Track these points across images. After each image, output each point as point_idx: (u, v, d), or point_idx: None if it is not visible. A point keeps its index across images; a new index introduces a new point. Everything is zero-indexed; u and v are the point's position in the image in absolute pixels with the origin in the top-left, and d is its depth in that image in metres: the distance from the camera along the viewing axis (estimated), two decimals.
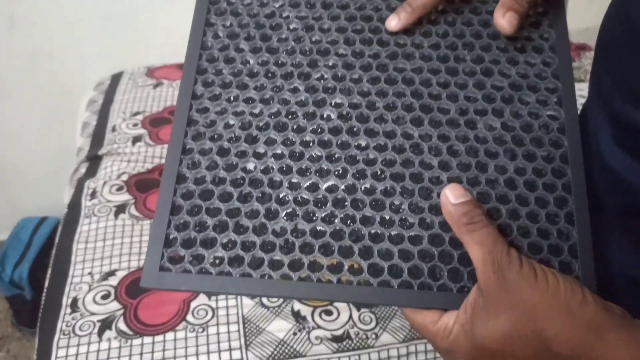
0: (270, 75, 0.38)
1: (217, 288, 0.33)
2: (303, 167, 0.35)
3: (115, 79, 1.16)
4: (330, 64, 0.38)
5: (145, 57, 1.22)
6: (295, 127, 0.36)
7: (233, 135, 0.36)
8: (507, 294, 0.29)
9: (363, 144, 0.36)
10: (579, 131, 0.36)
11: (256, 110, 0.37)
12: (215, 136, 0.36)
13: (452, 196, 0.32)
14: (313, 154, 0.35)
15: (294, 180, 0.35)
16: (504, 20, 0.36)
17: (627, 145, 0.34)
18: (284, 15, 0.39)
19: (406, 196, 0.34)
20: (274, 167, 0.35)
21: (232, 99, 0.37)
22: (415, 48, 0.38)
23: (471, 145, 0.36)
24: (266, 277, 0.33)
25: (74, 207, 0.82)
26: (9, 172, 1.32)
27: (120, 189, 0.84)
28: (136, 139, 0.95)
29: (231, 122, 0.36)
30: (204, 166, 0.35)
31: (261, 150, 0.36)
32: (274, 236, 0.34)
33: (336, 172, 0.35)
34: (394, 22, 0.38)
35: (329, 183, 0.35)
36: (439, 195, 0.34)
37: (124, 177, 0.86)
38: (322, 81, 0.37)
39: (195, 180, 0.35)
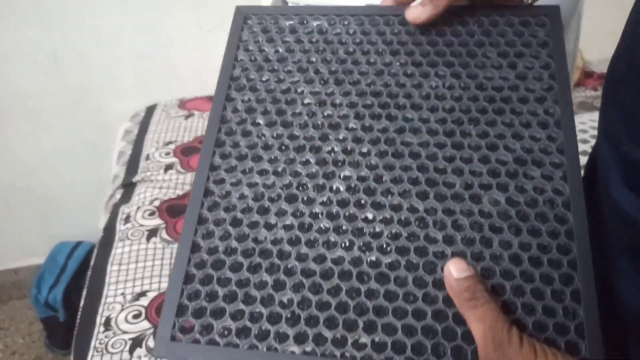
0: (283, 148, 0.39)
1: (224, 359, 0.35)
2: (311, 238, 0.36)
3: (150, 110, 1.23)
4: (341, 137, 0.39)
5: (177, 90, 1.29)
6: (305, 198, 0.38)
7: (246, 206, 0.38)
8: None
9: (370, 216, 0.37)
10: (584, 207, 0.35)
11: (269, 182, 0.38)
12: (230, 207, 0.38)
13: (454, 270, 0.32)
14: (321, 226, 0.37)
15: (302, 251, 0.36)
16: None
17: (636, 186, 0.35)
18: (299, 90, 0.41)
19: (411, 270, 0.35)
20: (284, 237, 0.37)
21: (247, 170, 0.39)
22: (422, 123, 0.39)
23: (476, 220, 0.36)
24: (272, 350, 0.34)
25: (109, 231, 0.86)
26: (48, 199, 1.39)
27: (152, 214, 0.89)
28: (168, 167, 1.00)
29: (245, 193, 0.38)
30: (217, 236, 0.37)
31: (272, 221, 0.37)
32: (281, 308, 0.35)
33: (343, 245, 0.36)
34: (417, 13, 0.39)
35: (336, 255, 0.36)
36: (442, 269, 0.34)
37: (156, 203, 0.90)
38: (332, 154, 0.39)
39: (209, 250, 0.36)
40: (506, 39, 0.41)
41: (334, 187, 0.38)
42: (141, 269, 0.78)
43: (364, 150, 0.39)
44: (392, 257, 0.35)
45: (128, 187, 0.97)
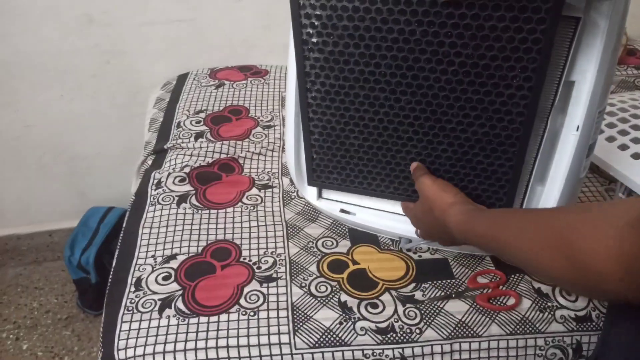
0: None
1: None
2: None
3: (181, 79, 1.23)
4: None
5: (207, 58, 1.29)
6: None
7: None
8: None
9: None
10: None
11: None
12: None
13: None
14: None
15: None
16: None
17: None
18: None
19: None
20: None
21: None
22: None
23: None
24: None
25: (141, 195, 0.88)
26: (81, 164, 1.42)
27: (182, 180, 0.90)
28: (198, 135, 1.01)
29: None
30: None
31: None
32: None
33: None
34: None
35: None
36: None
37: (187, 170, 0.91)
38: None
39: None
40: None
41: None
42: (171, 233, 0.79)
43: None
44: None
45: (159, 154, 0.98)
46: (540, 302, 0.68)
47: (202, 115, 1.07)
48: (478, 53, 0.56)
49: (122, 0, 1.17)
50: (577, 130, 0.61)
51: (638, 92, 1.02)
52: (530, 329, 0.66)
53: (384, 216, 0.77)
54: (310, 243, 0.77)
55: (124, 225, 0.83)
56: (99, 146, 1.40)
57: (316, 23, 0.60)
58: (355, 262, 0.74)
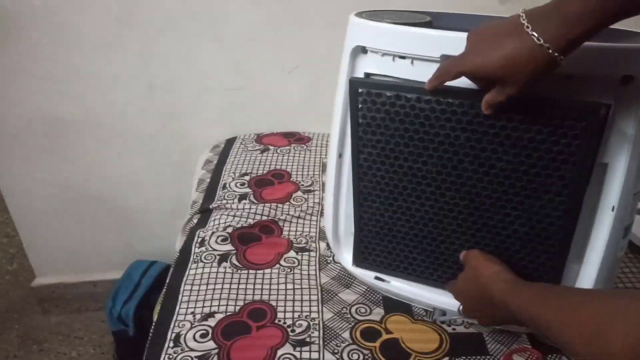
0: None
1: None
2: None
3: (229, 142, 1.30)
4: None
5: (255, 123, 1.37)
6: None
7: None
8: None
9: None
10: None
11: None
12: None
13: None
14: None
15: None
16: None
17: None
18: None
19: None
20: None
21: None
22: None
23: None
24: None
25: (185, 252, 0.92)
26: (131, 217, 1.50)
27: (225, 239, 0.94)
28: (242, 197, 1.06)
29: None
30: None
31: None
32: None
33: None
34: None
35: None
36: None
37: (229, 230, 0.96)
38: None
39: None
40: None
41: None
42: (210, 291, 0.82)
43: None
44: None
45: (205, 213, 1.03)
46: None
47: (247, 177, 1.13)
48: (518, 160, 0.60)
49: (184, 70, 1.28)
50: (613, 210, 0.62)
51: None
52: None
53: (419, 286, 0.78)
54: (344, 309, 0.78)
55: (168, 280, 0.87)
56: (150, 201, 1.48)
57: (372, 123, 0.66)
58: (388, 331, 0.74)
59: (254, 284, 0.84)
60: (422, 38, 0.60)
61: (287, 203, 1.05)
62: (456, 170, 0.64)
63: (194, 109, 1.34)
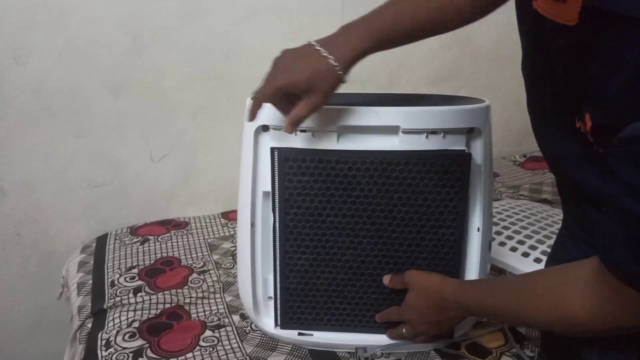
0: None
1: None
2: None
3: (101, 240, 1.25)
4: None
5: (126, 218, 1.33)
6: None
7: None
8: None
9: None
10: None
11: None
12: None
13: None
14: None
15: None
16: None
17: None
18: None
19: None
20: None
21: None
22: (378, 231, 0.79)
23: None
24: None
25: (90, 358, 0.85)
26: None
27: (132, 335, 0.90)
28: (137, 290, 1.02)
29: None
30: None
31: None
32: None
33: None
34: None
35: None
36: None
37: (136, 324, 0.92)
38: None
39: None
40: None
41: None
42: None
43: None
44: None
45: (99, 315, 0.97)
46: None
47: (135, 270, 1.10)
48: (417, 203, 0.75)
49: (41, 170, 1.21)
50: (479, 231, 0.80)
51: (520, 201, 1.29)
52: None
53: (341, 332, 0.85)
54: None
55: None
56: (2, 322, 1.29)
57: (297, 185, 0.76)
58: None
59: None
60: (320, 113, 0.73)
61: (186, 287, 1.05)
62: (370, 219, 0.76)
63: (55, 211, 1.26)
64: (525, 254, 1.01)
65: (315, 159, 0.74)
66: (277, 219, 0.78)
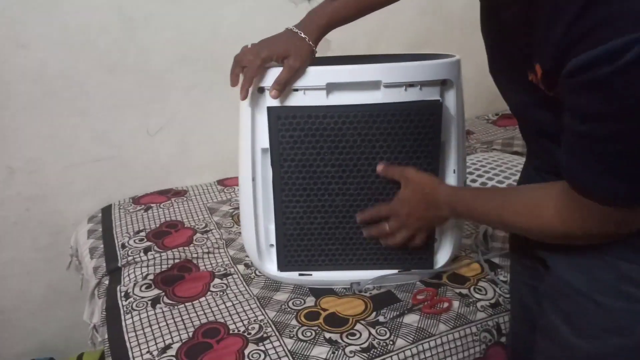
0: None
1: None
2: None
3: (106, 211, 1.33)
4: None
5: (128, 190, 1.41)
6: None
7: None
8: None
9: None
10: None
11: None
12: None
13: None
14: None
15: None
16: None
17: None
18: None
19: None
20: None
21: None
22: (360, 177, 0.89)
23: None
24: None
25: (112, 309, 0.95)
26: None
27: (149, 287, 0.99)
28: (147, 249, 1.11)
29: None
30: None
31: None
32: None
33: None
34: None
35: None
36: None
37: (150, 277, 1.01)
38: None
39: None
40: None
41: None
42: (157, 329, 0.88)
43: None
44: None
45: (114, 272, 1.06)
46: (464, 300, 0.92)
47: (143, 234, 1.19)
48: (398, 149, 0.85)
49: (47, 148, 1.28)
50: (454, 172, 0.91)
51: (492, 153, 1.41)
52: (465, 320, 0.88)
53: (335, 270, 0.96)
54: (283, 306, 0.92)
55: (107, 336, 0.89)
56: (19, 296, 1.37)
57: (290, 140, 0.85)
58: (324, 310, 0.91)
59: (196, 312, 0.92)
60: (310, 73, 0.82)
61: (192, 245, 1.14)
62: (356, 167, 0.86)
63: (61, 187, 1.33)
64: None
65: (305, 115, 0.84)
66: (272, 171, 0.87)
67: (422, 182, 0.82)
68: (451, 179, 0.92)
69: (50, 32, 1.22)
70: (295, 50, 0.80)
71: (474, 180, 1.20)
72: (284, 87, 0.81)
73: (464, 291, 0.94)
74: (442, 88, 0.87)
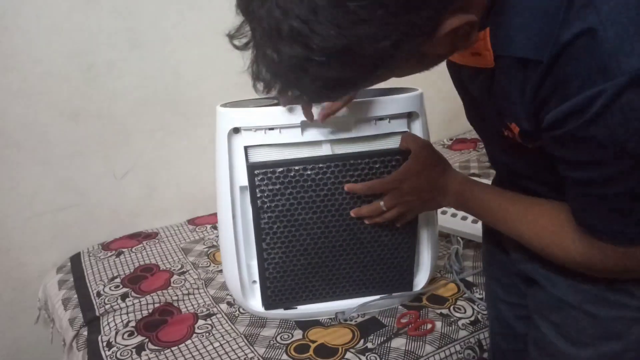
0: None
1: None
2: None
3: (75, 259, 1.29)
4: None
5: (96, 236, 1.38)
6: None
7: None
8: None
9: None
10: None
11: None
12: None
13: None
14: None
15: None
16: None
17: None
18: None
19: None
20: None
21: None
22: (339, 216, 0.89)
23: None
24: None
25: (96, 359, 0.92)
26: None
27: (131, 334, 0.97)
28: (124, 296, 1.09)
29: None
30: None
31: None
32: None
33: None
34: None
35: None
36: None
37: (132, 324, 0.99)
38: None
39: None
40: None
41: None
42: None
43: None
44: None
45: (93, 322, 1.03)
46: (446, 320, 0.96)
47: (118, 280, 1.16)
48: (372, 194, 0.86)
49: (8, 200, 1.24)
50: None
51: None
52: (449, 340, 0.92)
53: (319, 303, 0.98)
54: (272, 341, 0.93)
55: None
56: None
57: (269, 194, 0.86)
58: (313, 341, 0.92)
59: (184, 356, 0.91)
60: (285, 113, 0.85)
61: (170, 287, 1.13)
62: (338, 211, 0.88)
63: (24, 239, 1.29)
64: (464, 217, 1.19)
65: (284, 169, 0.85)
66: (253, 222, 0.88)
67: (434, 159, 0.75)
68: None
69: (9, 83, 1.20)
70: None
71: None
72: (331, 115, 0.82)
73: (445, 311, 0.98)
74: (408, 120, 0.92)
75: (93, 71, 1.28)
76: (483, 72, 0.53)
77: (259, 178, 0.85)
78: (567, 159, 0.49)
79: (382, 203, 0.80)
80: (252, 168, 0.85)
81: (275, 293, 0.94)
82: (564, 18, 0.42)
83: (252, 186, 0.86)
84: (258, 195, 0.86)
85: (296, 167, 0.85)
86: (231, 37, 0.45)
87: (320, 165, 0.85)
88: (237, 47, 0.45)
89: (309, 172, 0.85)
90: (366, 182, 0.82)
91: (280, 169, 0.85)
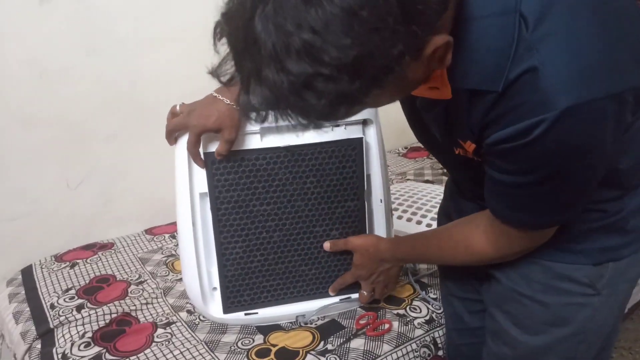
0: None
1: None
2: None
3: (27, 271, 1.25)
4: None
5: (48, 248, 1.34)
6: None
7: None
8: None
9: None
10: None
11: None
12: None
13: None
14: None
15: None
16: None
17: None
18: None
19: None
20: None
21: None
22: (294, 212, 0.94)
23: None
24: None
25: None
26: None
27: (88, 345, 0.95)
28: (79, 307, 1.07)
29: None
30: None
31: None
32: None
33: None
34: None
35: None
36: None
37: (89, 335, 0.97)
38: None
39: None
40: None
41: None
42: None
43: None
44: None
45: (46, 335, 1.00)
46: (402, 320, 0.99)
47: (72, 291, 1.14)
48: (326, 184, 0.92)
49: None
50: (381, 202, 0.99)
51: (408, 183, 1.52)
52: (405, 338, 0.95)
53: (279, 306, 0.99)
54: (233, 347, 0.93)
55: None
56: None
57: (225, 183, 0.88)
58: (274, 345, 0.93)
59: None
60: (244, 120, 0.87)
61: (127, 297, 1.11)
62: (290, 203, 0.91)
63: None
64: (419, 222, 1.23)
65: (239, 158, 0.88)
66: (211, 214, 0.90)
67: (365, 245, 0.92)
68: (379, 209, 1.00)
69: None
70: (227, 122, 0.83)
71: (395, 209, 1.30)
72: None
73: (401, 311, 1.02)
74: (363, 127, 0.96)
75: (47, 77, 1.26)
76: (439, 102, 0.61)
77: (214, 167, 0.88)
78: (497, 165, 0.58)
79: (365, 292, 0.97)
80: (209, 157, 0.88)
81: (235, 294, 0.95)
82: (514, 56, 0.50)
83: (210, 175, 0.89)
84: (215, 184, 0.88)
85: (249, 157, 0.89)
86: (217, 75, 0.48)
87: (271, 155, 0.89)
88: (223, 84, 0.48)
89: (261, 162, 0.89)
90: (337, 280, 0.97)
91: (235, 158, 0.88)
